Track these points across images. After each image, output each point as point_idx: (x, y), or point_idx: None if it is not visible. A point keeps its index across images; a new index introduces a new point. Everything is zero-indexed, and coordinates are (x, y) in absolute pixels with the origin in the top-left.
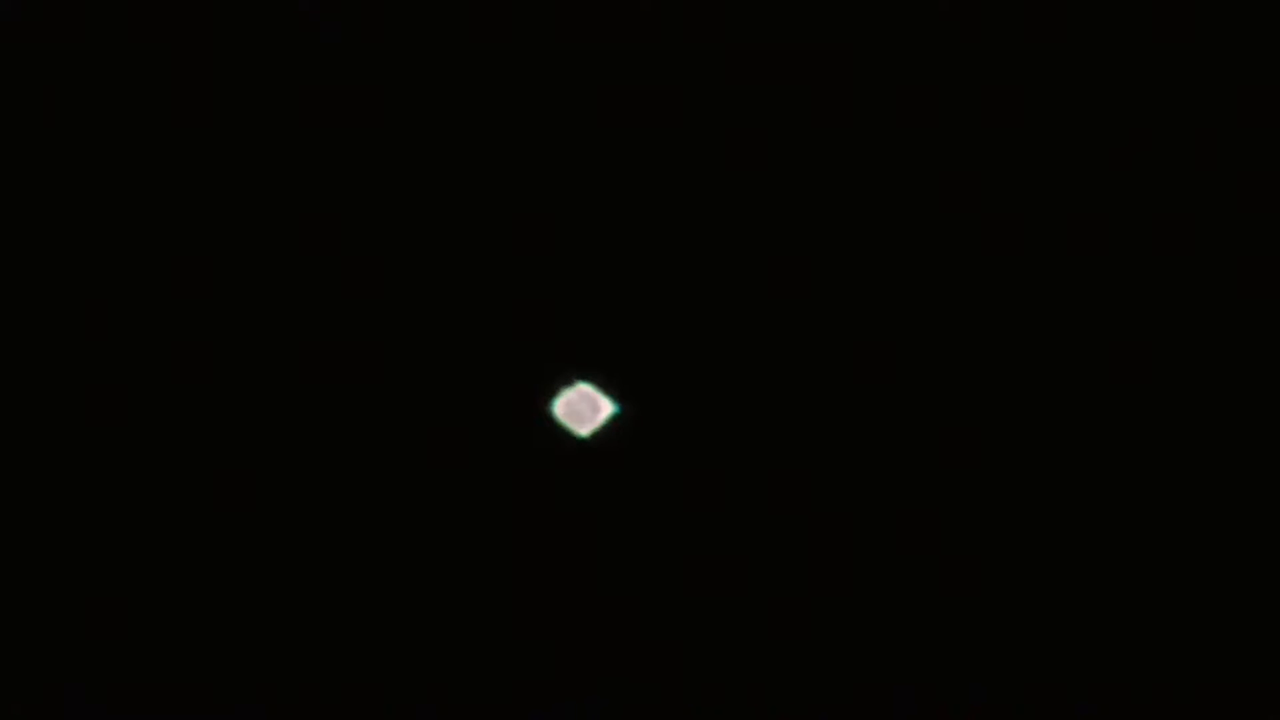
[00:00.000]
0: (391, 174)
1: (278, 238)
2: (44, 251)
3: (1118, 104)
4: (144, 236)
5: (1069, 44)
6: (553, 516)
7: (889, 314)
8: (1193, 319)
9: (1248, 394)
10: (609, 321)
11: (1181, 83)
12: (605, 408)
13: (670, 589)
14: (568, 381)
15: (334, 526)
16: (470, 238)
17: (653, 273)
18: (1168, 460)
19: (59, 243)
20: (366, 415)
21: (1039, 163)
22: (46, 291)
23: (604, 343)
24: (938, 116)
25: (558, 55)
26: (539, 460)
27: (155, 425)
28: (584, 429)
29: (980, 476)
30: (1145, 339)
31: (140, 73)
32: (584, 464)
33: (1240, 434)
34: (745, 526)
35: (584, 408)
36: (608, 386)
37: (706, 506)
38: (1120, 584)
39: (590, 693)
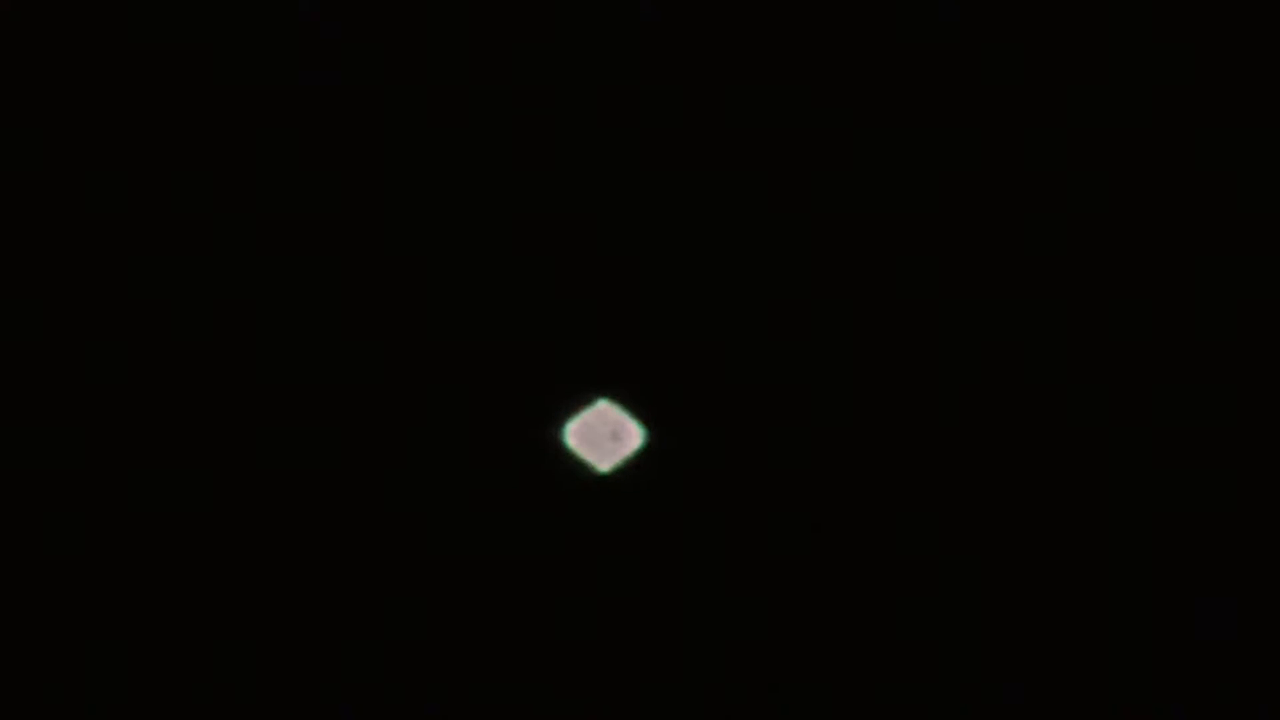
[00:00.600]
0: (392, 175)
1: (276, 240)
2: (44, 251)
3: (1118, 104)
4: (143, 237)
5: (1068, 43)
6: (559, 576)
7: (953, 349)
8: (1193, 319)
9: (1248, 394)
10: (641, 326)
11: (1181, 83)
12: (632, 436)
13: (705, 675)
14: (585, 400)
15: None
16: (474, 230)
17: (693, 266)
18: (1169, 460)
19: (58, 242)
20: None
21: (1039, 163)
22: (46, 291)
23: (633, 352)
24: (942, 119)
25: (564, 55)
26: (543, 502)
27: (151, 461)
28: (603, 463)
29: (1019, 515)
30: (1145, 339)
31: (139, 72)
32: (601, 507)
33: (1240, 434)
34: (801, 595)
35: (604, 435)
36: (636, 408)
37: (752, 565)
38: (1122, 584)
39: None
